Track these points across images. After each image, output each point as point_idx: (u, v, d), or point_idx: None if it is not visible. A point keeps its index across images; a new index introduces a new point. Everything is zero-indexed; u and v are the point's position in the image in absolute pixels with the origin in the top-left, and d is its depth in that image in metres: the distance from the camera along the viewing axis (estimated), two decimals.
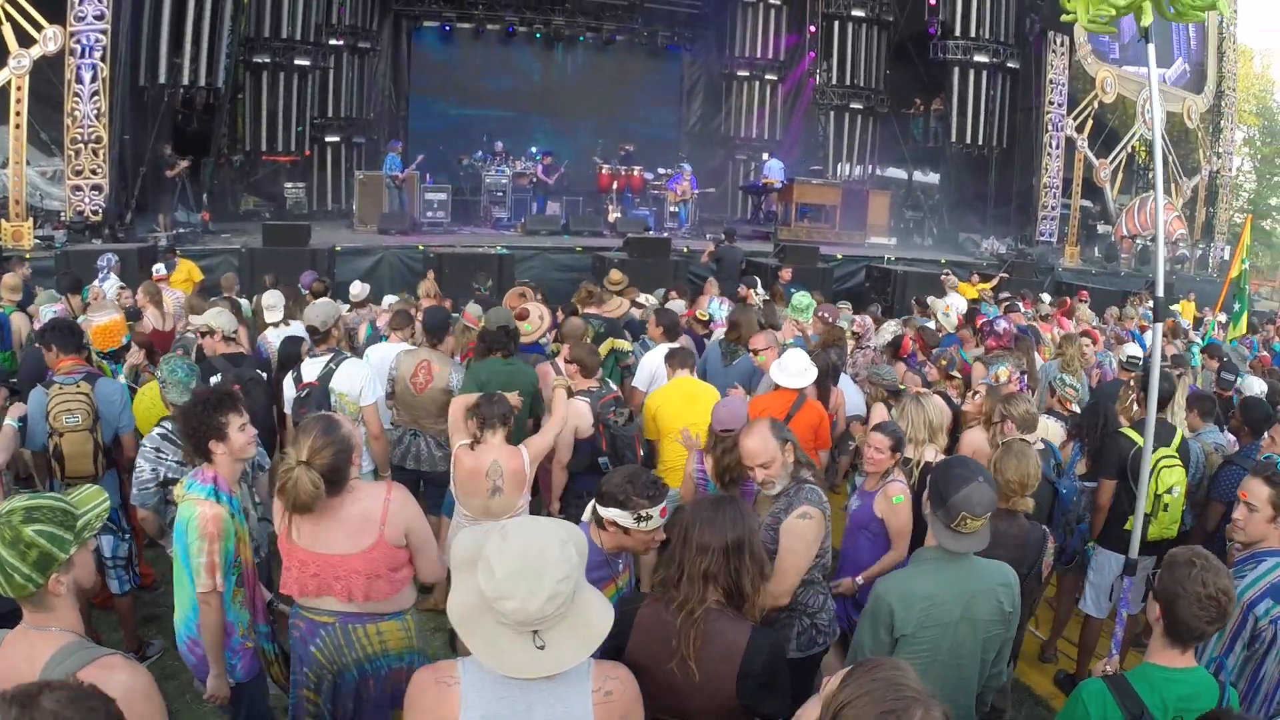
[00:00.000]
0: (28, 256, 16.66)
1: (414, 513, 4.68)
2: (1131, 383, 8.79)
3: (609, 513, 4.43)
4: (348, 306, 12.85)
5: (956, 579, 4.34)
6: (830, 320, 11.30)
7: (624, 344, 10.30)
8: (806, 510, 5.11)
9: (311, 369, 7.83)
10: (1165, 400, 8.03)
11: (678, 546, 3.92)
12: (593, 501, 4.63)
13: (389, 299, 13.08)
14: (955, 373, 9.35)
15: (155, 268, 14.24)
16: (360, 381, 7.73)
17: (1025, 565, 5.53)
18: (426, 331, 8.80)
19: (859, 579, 6.30)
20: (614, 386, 8.00)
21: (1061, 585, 8.38)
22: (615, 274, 13.81)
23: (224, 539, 4.81)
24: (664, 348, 9.20)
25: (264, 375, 8.77)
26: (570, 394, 7.20)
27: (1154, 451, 6.96)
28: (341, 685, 4.68)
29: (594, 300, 12.15)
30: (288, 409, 7.98)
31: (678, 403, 8.05)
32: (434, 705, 3.04)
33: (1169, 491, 7.02)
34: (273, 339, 10.20)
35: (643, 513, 4.34)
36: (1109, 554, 7.54)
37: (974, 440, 7.42)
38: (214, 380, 7.53)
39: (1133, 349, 10.62)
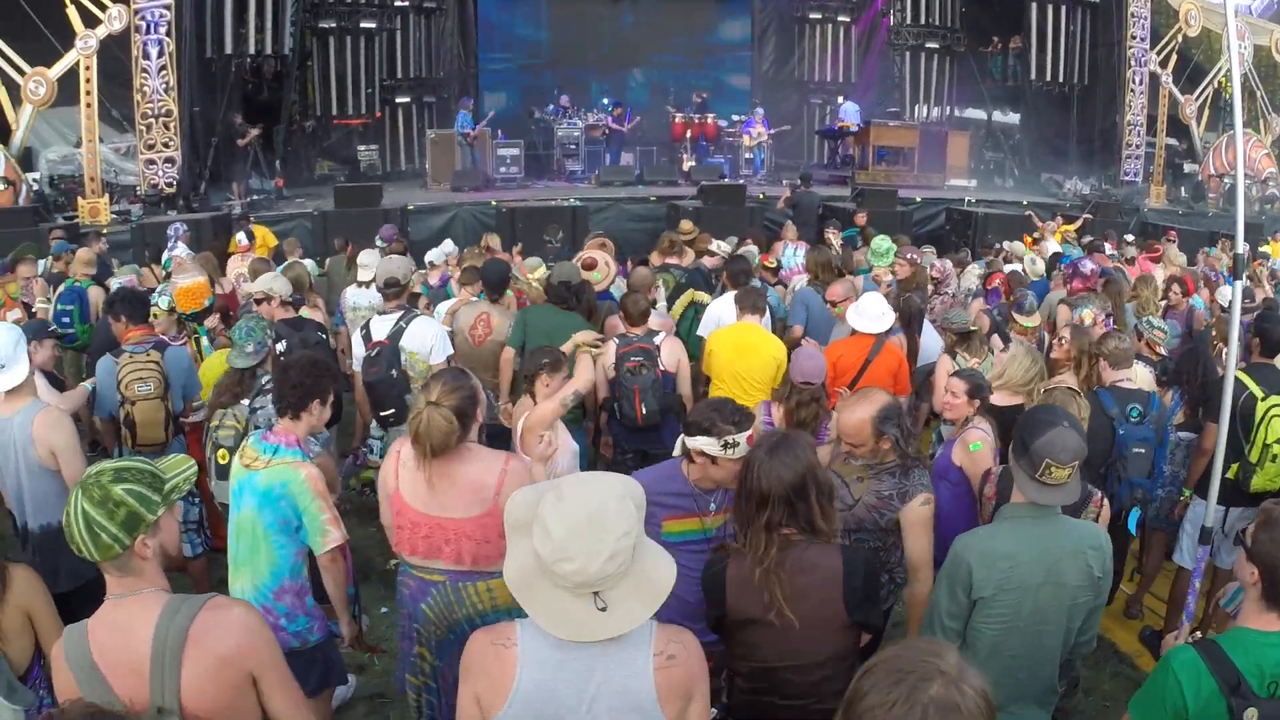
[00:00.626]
0: (104, 232, 16.87)
1: (528, 482, 4.51)
2: (1215, 329, 8.47)
3: (695, 441, 4.46)
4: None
5: (1042, 538, 4.09)
6: (916, 261, 11.06)
7: (704, 296, 10.09)
8: (926, 497, 5.06)
9: (381, 326, 7.83)
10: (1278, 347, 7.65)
11: (739, 499, 3.87)
12: (681, 435, 4.67)
13: (434, 254, 12.91)
14: (1025, 316, 9.02)
15: (237, 238, 14.25)
16: (431, 340, 7.73)
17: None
18: (486, 285, 8.86)
19: None
20: (656, 341, 7.81)
21: (1150, 538, 8.08)
22: (685, 224, 13.68)
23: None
24: (731, 295, 9.02)
25: (326, 338, 8.77)
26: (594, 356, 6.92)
27: (1265, 399, 6.70)
28: (453, 641, 4.61)
29: (674, 250, 12.00)
30: (356, 366, 7.97)
31: (729, 351, 8.01)
32: (491, 667, 2.95)
33: (1279, 441, 6.65)
34: (351, 296, 10.21)
35: (729, 439, 4.37)
36: (1204, 504, 7.21)
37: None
38: (279, 346, 7.35)
39: (1229, 292, 10.19)
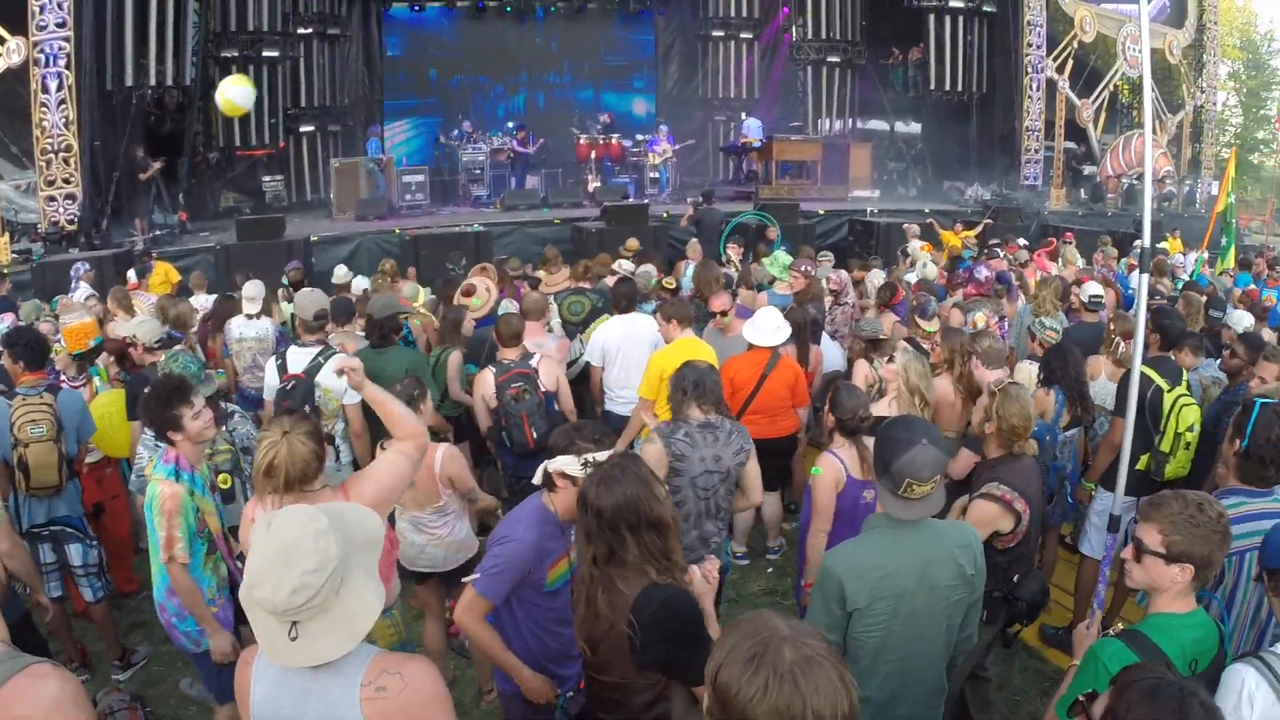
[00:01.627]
0: (5, 271, 16.59)
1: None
2: (1113, 325, 8.70)
3: (556, 463, 4.43)
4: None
5: (911, 547, 4.17)
6: (809, 273, 11.20)
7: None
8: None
9: (298, 359, 7.78)
10: (1176, 339, 7.96)
11: (579, 509, 3.92)
12: (542, 464, 4.56)
13: (360, 283, 12.99)
14: (926, 321, 9.19)
15: (129, 274, 14.19)
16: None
17: (1037, 507, 5.53)
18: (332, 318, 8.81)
19: (805, 583, 6.12)
20: (532, 364, 7.88)
21: (1045, 534, 8.30)
22: (632, 242, 14.02)
23: (182, 514, 5.12)
24: (618, 320, 9.11)
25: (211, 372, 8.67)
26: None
27: (1171, 390, 7.02)
28: None
29: (588, 275, 12.08)
30: (268, 395, 7.96)
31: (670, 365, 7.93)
32: (238, 680, 3.15)
33: (1189, 429, 6.96)
34: (237, 328, 10.21)
35: (588, 457, 4.32)
36: (1112, 495, 7.41)
37: (940, 387, 7.31)
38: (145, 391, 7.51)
39: (1093, 288, 10.39)
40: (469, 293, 9.48)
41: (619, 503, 3.75)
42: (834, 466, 6.04)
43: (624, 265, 12.71)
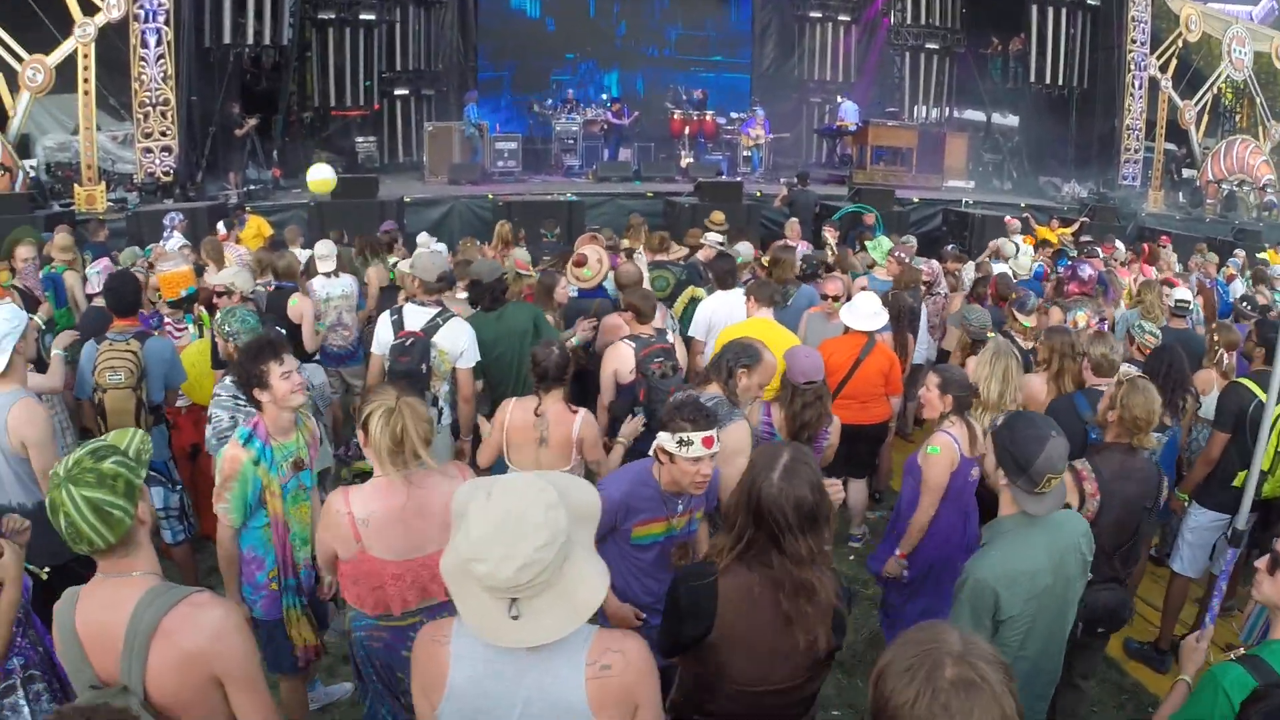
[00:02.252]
0: (103, 218, 16.79)
1: None
2: (1215, 335, 8.42)
3: (659, 439, 4.47)
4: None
5: (1047, 543, 4.12)
6: (905, 260, 10.99)
7: (701, 291, 10.01)
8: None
9: (416, 317, 7.67)
10: None
11: (741, 520, 3.63)
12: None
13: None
14: (1025, 316, 8.95)
15: (218, 225, 14.27)
16: (464, 342, 7.58)
17: (1149, 499, 5.40)
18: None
19: (900, 553, 6.17)
20: (670, 337, 7.77)
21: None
22: (718, 214, 13.76)
23: (239, 481, 5.01)
24: (721, 295, 9.01)
25: (283, 331, 8.56)
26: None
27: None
28: None
29: (664, 247, 11.95)
30: (378, 350, 7.81)
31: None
32: (428, 663, 2.97)
33: None
34: (318, 288, 10.18)
35: (684, 436, 4.36)
36: (1208, 512, 7.18)
37: (1032, 385, 7.13)
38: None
39: (1181, 293, 10.10)
40: (580, 263, 9.34)
41: (809, 497, 3.53)
42: (950, 447, 6.01)
43: (712, 238, 12.54)
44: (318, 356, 9.47)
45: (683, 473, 4.50)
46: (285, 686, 5.60)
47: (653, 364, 7.33)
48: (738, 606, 3.56)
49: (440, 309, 7.72)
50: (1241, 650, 3.69)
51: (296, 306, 9.28)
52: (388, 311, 7.97)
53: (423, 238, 13.66)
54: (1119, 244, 16.88)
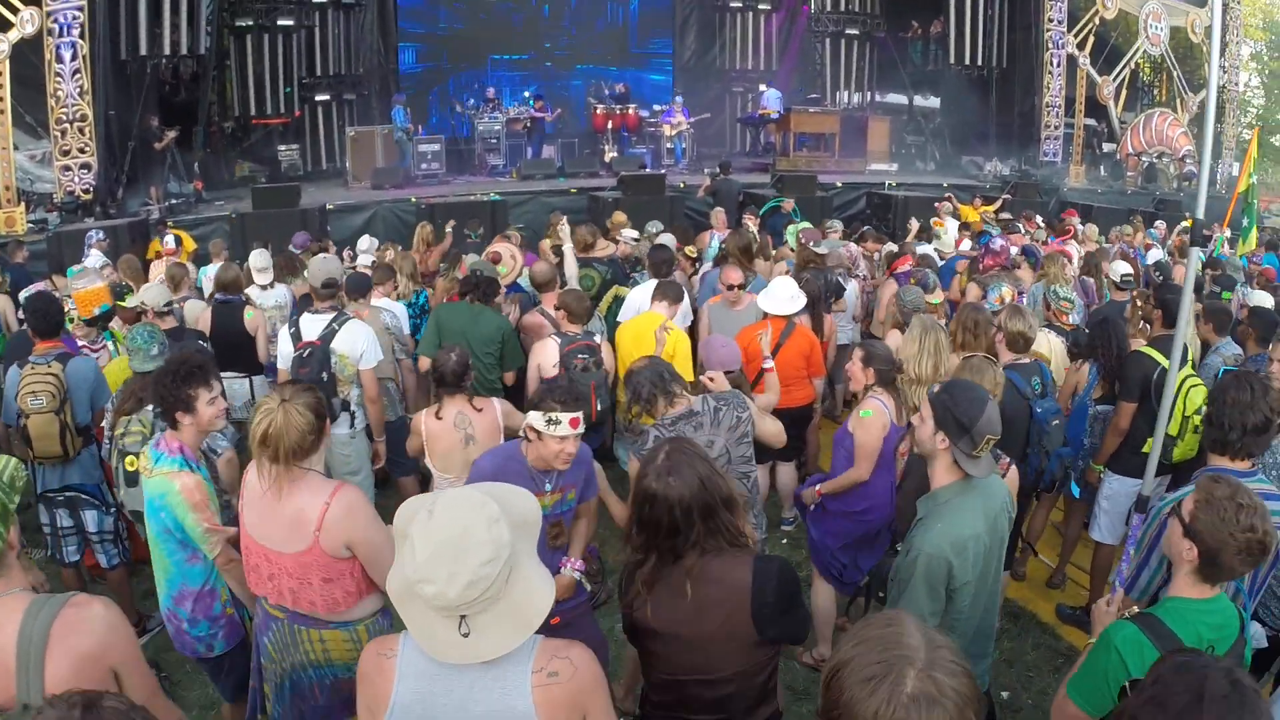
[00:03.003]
0: (22, 240, 16.62)
1: (361, 522, 4.35)
2: (1138, 301, 8.58)
3: (528, 417, 4.72)
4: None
5: (984, 507, 4.25)
6: (806, 243, 11.18)
7: (625, 290, 10.12)
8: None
9: (312, 326, 7.70)
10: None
11: (640, 525, 3.70)
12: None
13: (363, 245, 12.98)
14: (932, 295, 9.09)
15: (165, 241, 14.17)
16: (363, 343, 7.65)
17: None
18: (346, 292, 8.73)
19: (819, 488, 6.43)
20: (597, 336, 7.89)
21: (1069, 509, 8.24)
22: (619, 215, 13.81)
23: (210, 502, 4.87)
24: (651, 284, 9.08)
25: (208, 346, 8.61)
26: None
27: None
28: (291, 685, 4.56)
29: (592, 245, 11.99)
30: (282, 364, 7.86)
31: (628, 341, 8.17)
32: (375, 678, 2.96)
33: (1197, 411, 6.77)
34: (255, 298, 10.19)
35: (552, 415, 4.59)
36: (1121, 479, 7.37)
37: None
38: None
39: (1123, 266, 10.33)
40: (495, 260, 9.42)
41: (695, 488, 3.60)
42: (882, 411, 6.24)
43: (627, 234, 12.63)
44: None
45: (550, 450, 4.72)
46: (229, 710, 5.53)
47: (576, 359, 7.54)
48: (658, 599, 3.62)
49: (336, 314, 7.77)
50: (1135, 609, 3.81)
51: (253, 319, 9.44)
52: (286, 324, 8.08)
53: (364, 242, 13.62)
54: (1038, 220, 17.14)
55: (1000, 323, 6.96)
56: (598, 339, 7.94)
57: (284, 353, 7.82)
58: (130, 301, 8.67)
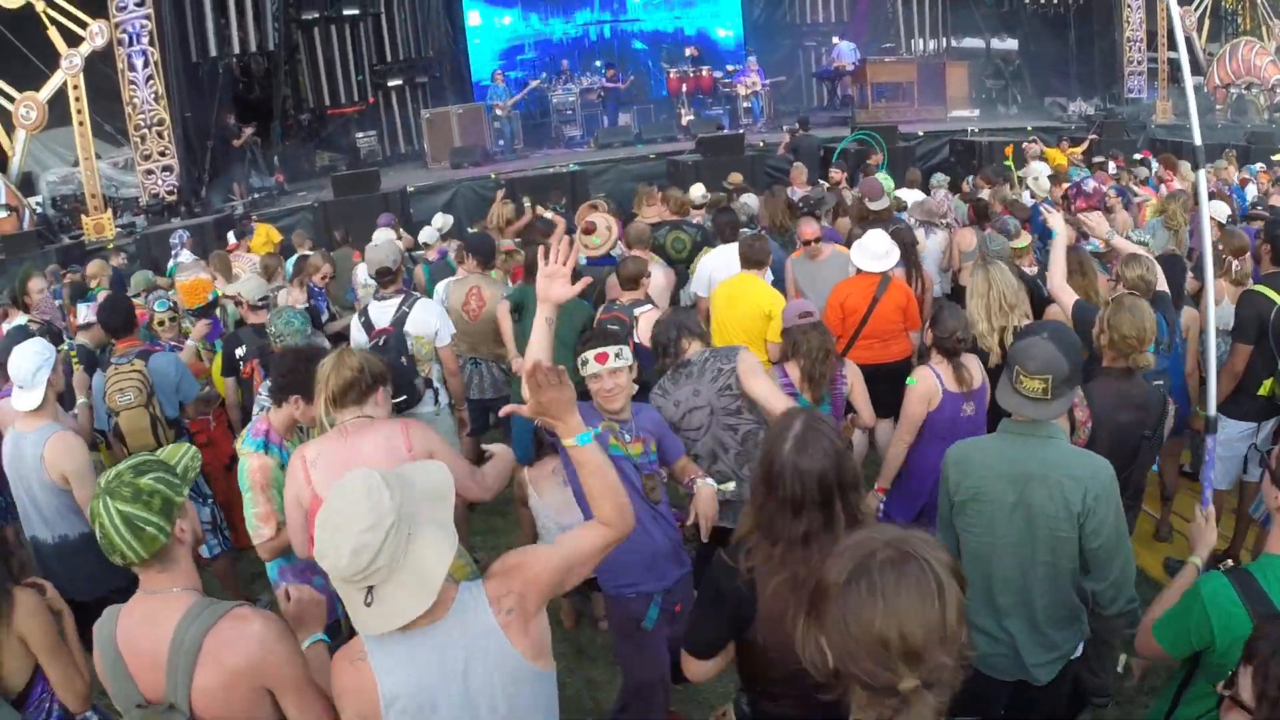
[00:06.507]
0: (110, 245, 16.91)
1: (438, 444, 4.72)
2: (1221, 244, 8.19)
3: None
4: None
5: (1016, 455, 4.05)
6: (861, 197, 10.93)
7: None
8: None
9: (382, 313, 7.62)
10: None
11: (765, 502, 3.38)
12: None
13: (425, 234, 12.95)
14: (1018, 239, 8.79)
15: (228, 236, 14.30)
16: (436, 322, 7.57)
17: (1148, 427, 5.19)
18: (474, 256, 8.83)
19: (878, 485, 6.33)
20: (636, 312, 7.67)
21: (1164, 453, 7.86)
22: (735, 176, 13.74)
23: (273, 487, 4.94)
24: (723, 250, 8.94)
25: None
26: None
27: None
28: None
29: (683, 209, 11.78)
30: None
31: (721, 303, 7.91)
32: (356, 685, 2.93)
33: None
34: (362, 274, 10.67)
35: (583, 357, 4.76)
36: (1236, 423, 6.95)
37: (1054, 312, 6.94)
38: (238, 352, 7.82)
39: (1221, 207, 9.82)
40: (589, 230, 9.24)
41: (831, 463, 3.30)
42: (928, 378, 6.00)
43: (694, 192, 12.40)
44: None
45: (596, 394, 4.80)
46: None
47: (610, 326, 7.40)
48: (775, 603, 3.27)
49: (404, 296, 7.69)
50: (1230, 563, 3.62)
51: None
52: (356, 315, 8.00)
53: (436, 220, 13.59)
54: (1136, 158, 16.67)
55: (1117, 271, 6.63)
56: (637, 313, 7.73)
57: (357, 343, 7.63)
58: (229, 290, 8.71)
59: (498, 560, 3.12)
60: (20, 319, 10.02)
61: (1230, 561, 3.64)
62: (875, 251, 7.87)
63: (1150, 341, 5.21)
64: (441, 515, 2.96)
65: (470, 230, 13.12)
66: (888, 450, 6.19)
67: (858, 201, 10.95)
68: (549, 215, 12.83)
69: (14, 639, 3.85)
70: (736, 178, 14.20)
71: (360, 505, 2.74)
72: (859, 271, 7.91)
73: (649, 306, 7.74)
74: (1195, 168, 4.76)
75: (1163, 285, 6.47)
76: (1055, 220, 6.48)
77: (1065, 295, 6.08)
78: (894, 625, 2.10)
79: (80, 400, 7.07)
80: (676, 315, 5.80)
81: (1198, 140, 4.99)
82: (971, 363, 6.06)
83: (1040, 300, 7.25)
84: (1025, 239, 8.72)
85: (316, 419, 4.93)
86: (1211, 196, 10.01)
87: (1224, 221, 9.47)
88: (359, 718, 2.93)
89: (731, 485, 5.31)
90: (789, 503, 3.28)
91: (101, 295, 10.38)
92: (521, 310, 7.75)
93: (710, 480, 5.00)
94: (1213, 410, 5.01)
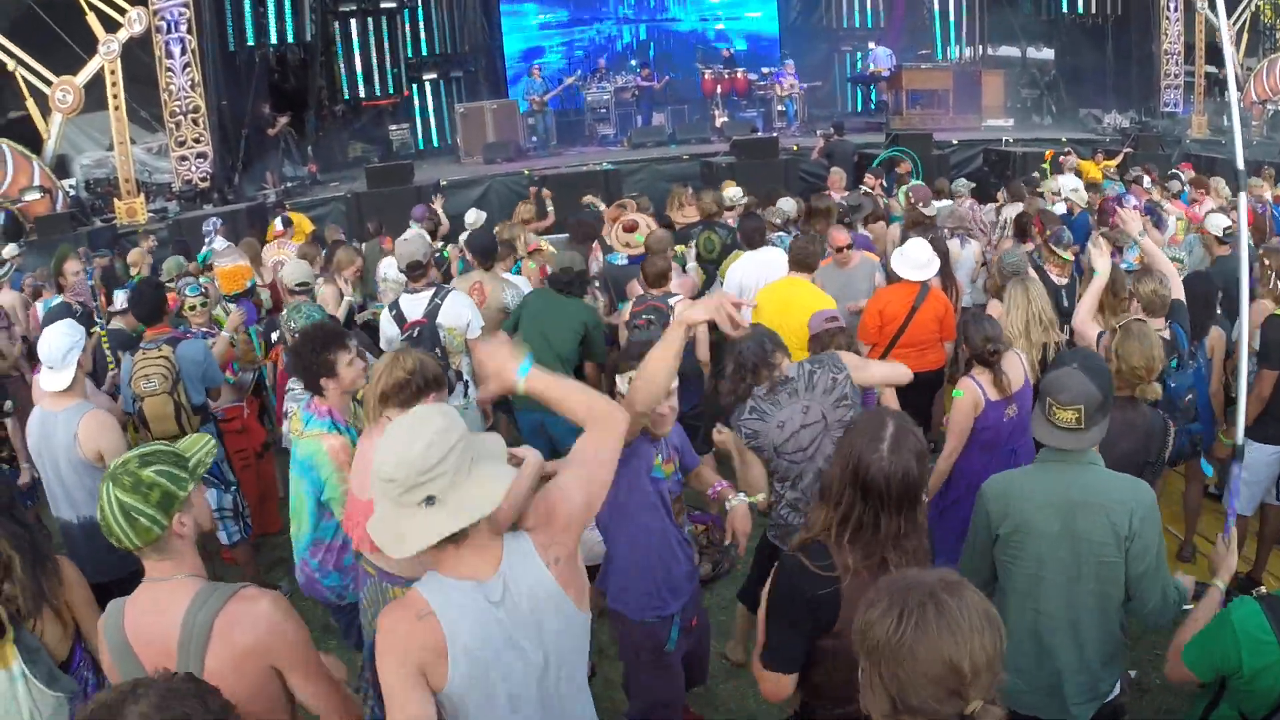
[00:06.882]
0: (140, 229, 17.02)
1: None
2: (1266, 260, 8.13)
3: (616, 383, 4.67)
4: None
5: (1060, 485, 3.99)
6: (915, 203, 10.88)
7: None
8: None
9: (414, 306, 7.63)
10: None
11: (840, 497, 3.36)
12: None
13: (474, 213, 13.01)
14: (1063, 252, 8.70)
15: (276, 223, 14.31)
16: (468, 314, 7.59)
17: (1151, 455, 5.20)
18: (474, 254, 8.84)
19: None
20: (670, 301, 7.68)
21: (1189, 478, 7.82)
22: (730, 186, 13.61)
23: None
24: (752, 255, 8.92)
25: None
26: None
27: None
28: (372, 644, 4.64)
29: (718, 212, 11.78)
30: (386, 347, 7.76)
31: (773, 308, 7.69)
32: (424, 639, 2.88)
33: None
34: (384, 267, 10.80)
35: (631, 374, 4.36)
36: (1262, 446, 6.84)
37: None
38: (273, 336, 8.04)
39: (1223, 220, 9.67)
40: (631, 228, 9.28)
41: (915, 468, 3.29)
42: (973, 390, 6.00)
43: (728, 194, 12.36)
44: None
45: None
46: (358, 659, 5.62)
47: (638, 321, 7.53)
48: (852, 601, 3.22)
49: (435, 289, 7.69)
50: (1263, 589, 3.59)
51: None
52: (387, 308, 8.00)
53: (470, 215, 13.62)
54: (1170, 173, 16.51)
55: (1133, 287, 6.59)
56: (672, 302, 7.73)
57: (388, 335, 7.74)
58: (287, 276, 8.79)
59: (529, 510, 3.15)
60: (56, 298, 10.11)
61: (1263, 589, 3.59)
62: (917, 260, 7.88)
63: (1157, 371, 5.24)
64: (499, 461, 3.02)
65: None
66: (936, 463, 6.09)
67: (911, 206, 10.95)
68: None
69: (61, 608, 3.87)
70: (730, 188, 14.09)
71: (434, 416, 2.85)
72: (899, 280, 7.92)
73: (679, 296, 7.87)
74: (1235, 191, 4.70)
75: (1179, 294, 6.48)
76: (1101, 262, 6.39)
77: (1089, 330, 6.04)
78: (964, 651, 2.17)
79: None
80: (760, 330, 5.48)
81: (1240, 164, 4.94)
82: (1011, 365, 6.03)
83: (1061, 309, 7.28)
84: (1070, 252, 8.66)
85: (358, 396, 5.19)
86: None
87: (1220, 235, 9.37)
88: (420, 671, 2.89)
89: (761, 496, 5.27)
90: (885, 502, 3.29)
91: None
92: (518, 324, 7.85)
93: (743, 495, 4.96)
94: (1240, 438, 4.99)
